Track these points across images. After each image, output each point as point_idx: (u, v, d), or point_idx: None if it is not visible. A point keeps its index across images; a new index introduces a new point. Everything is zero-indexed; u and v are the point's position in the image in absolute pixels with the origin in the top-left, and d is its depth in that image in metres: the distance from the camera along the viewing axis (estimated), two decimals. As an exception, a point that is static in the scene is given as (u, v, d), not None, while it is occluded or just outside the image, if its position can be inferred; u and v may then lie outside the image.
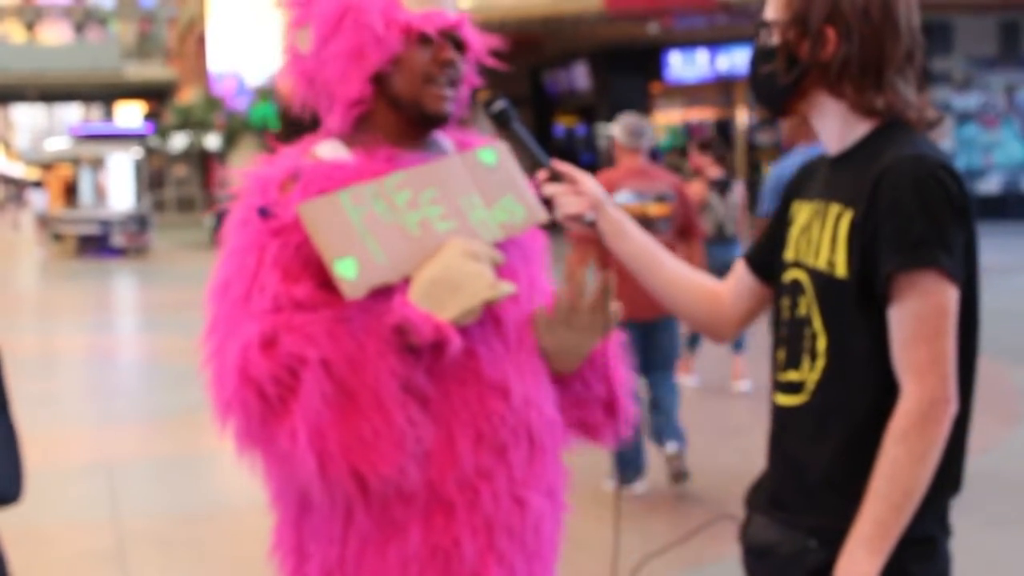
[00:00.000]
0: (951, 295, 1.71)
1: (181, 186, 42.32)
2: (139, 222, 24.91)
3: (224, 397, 1.69)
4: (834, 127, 1.86)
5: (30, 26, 59.74)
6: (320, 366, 1.65)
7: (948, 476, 1.76)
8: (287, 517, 1.87)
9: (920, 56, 1.84)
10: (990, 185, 22.01)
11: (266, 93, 30.86)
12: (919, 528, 1.73)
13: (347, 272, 1.70)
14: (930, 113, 1.84)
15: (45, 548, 5.03)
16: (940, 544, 1.79)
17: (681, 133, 24.82)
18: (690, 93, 25.05)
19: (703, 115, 25.04)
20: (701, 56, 24.12)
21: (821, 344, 1.80)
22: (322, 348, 1.66)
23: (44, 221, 27.17)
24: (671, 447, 5.53)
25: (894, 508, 1.68)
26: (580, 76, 25.83)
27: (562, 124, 28.25)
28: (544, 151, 2.00)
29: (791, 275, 1.88)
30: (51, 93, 46.72)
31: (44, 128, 73.94)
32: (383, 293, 1.72)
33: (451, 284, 1.72)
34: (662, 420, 5.53)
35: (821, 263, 1.80)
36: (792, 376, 1.85)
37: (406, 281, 1.74)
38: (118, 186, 29.06)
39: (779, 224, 1.97)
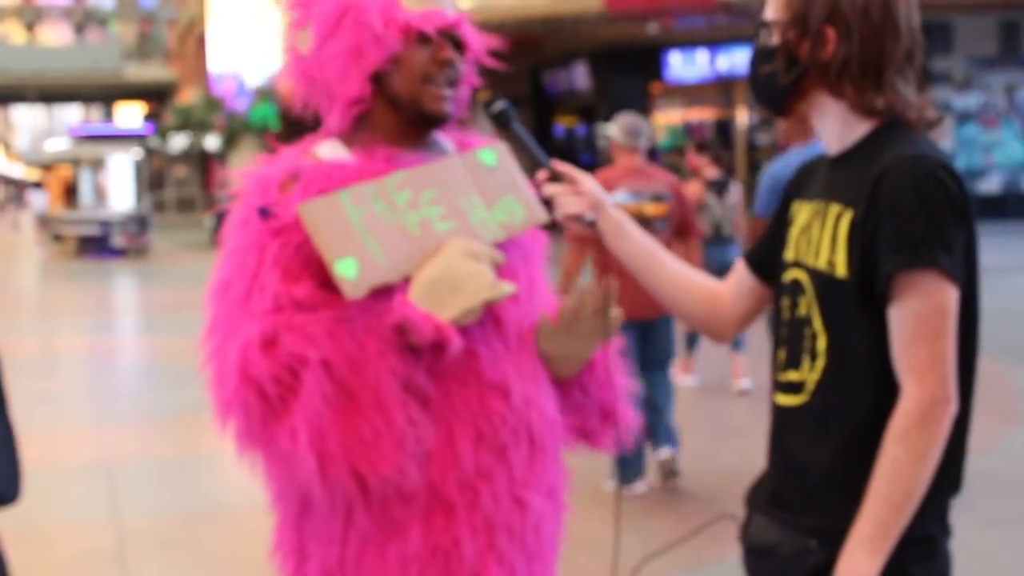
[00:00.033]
0: (951, 295, 1.71)
1: (181, 187, 42.29)
2: (139, 223, 24.91)
3: (224, 397, 1.69)
4: (834, 127, 1.86)
5: (30, 27, 59.70)
6: (320, 366, 1.65)
7: (948, 476, 1.76)
8: (287, 517, 1.87)
9: (920, 56, 1.84)
10: (990, 185, 21.99)
11: (266, 94, 30.86)
12: (919, 528, 1.73)
13: (347, 272, 1.70)
14: (930, 113, 1.84)
15: (45, 548, 5.03)
16: (940, 544, 1.79)
17: (681, 133, 24.79)
18: (690, 93, 25.02)
19: (703, 115, 25.00)
20: (701, 56, 24.09)
21: (821, 344, 1.80)
22: (322, 348, 1.66)
23: (44, 222, 27.17)
24: (663, 453, 5.53)
25: (894, 508, 1.68)
26: (580, 76, 25.80)
27: (562, 124, 28.21)
28: (544, 151, 2.00)
29: (791, 275, 1.88)
30: (51, 94, 46.66)
31: (44, 129, 73.85)
32: (383, 293, 1.72)
33: (451, 284, 1.72)
34: (656, 419, 5.53)
35: (821, 263, 1.80)
36: (792, 376, 1.85)
37: (406, 281, 1.74)
38: (118, 187, 29.05)
39: (779, 224, 1.97)
